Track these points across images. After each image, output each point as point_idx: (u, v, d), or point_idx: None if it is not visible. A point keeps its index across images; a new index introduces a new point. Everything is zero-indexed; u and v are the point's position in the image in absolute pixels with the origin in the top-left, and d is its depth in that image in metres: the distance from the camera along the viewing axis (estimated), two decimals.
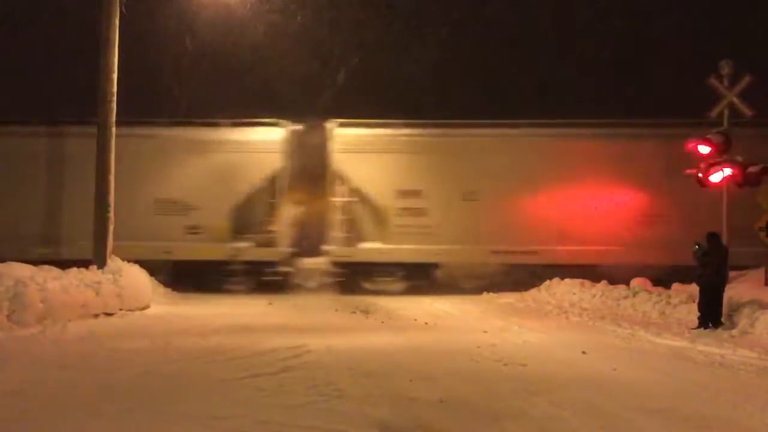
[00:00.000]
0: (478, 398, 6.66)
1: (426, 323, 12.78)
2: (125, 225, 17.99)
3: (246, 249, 19.25)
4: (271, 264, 19.30)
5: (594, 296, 15.74)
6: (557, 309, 15.09)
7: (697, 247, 12.37)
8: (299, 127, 19.84)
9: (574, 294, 16.36)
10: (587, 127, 19.12)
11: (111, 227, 15.07)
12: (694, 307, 12.23)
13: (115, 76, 15.12)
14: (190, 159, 19.45)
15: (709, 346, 10.01)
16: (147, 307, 14.53)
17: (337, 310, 14.92)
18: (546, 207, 18.73)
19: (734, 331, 11.10)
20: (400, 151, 19.45)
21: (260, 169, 19.39)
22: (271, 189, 19.53)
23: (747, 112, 14.01)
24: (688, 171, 14.02)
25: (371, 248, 19.18)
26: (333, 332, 11.36)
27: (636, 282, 16.65)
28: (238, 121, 19.75)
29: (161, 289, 16.84)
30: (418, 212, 19.16)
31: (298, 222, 19.94)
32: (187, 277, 19.12)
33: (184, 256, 19.17)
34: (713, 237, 12.42)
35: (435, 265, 19.48)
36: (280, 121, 19.65)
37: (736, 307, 11.89)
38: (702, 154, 13.58)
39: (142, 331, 11.15)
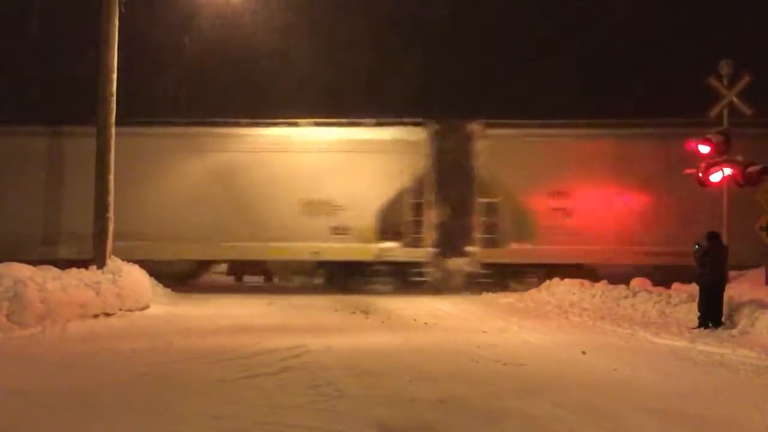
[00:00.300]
0: (478, 398, 6.65)
1: (426, 323, 12.78)
2: (270, 226, 18.49)
3: (392, 249, 19.29)
4: (416, 264, 19.32)
5: (594, 296, 15.73)
6: (557, 309, 15.08)
7: (697, 246, 12.37)
8: (441, 126, 19.79)
9: (574, 294, 16.36)
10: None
11: (111, 227, 15.06)
12: (694, 306, 12.22)
13: (114, 76, 15.13)
14: (336, 159, 19.41)
15: (709, 345, 10.00)
16: (147, 307, 14.52)
17: (336, 310, 14.92)
18: (700, 208, 17.76)
19: (734, 331, 11.09)
20: (548, 151, 19.20)
21: (405, 169, 19.35)
22: (416, 189, 19.48)
23: (747, 111, 14.02)
24: (688, 171, 14.02)
25: (518, 249, 19.06)
26: (333, 332, 11.35)
27: (636, 282, 16.65)
28: (382, 120, 19.77)
29: (161, 289, 16.82)
30: (566, 213, 18.99)
31: (443, 222, 19.84)
32: (332, 277, 19.45)
33: (330, 257, 19.31)
34: (713, 237, 12.42)
35: (582, 266, 19.16)
36: (424, 120, 19.63)
37: (736, 307, 11.88)
38: (702, 154, 13.57)
39: (142, 332, 11.15)
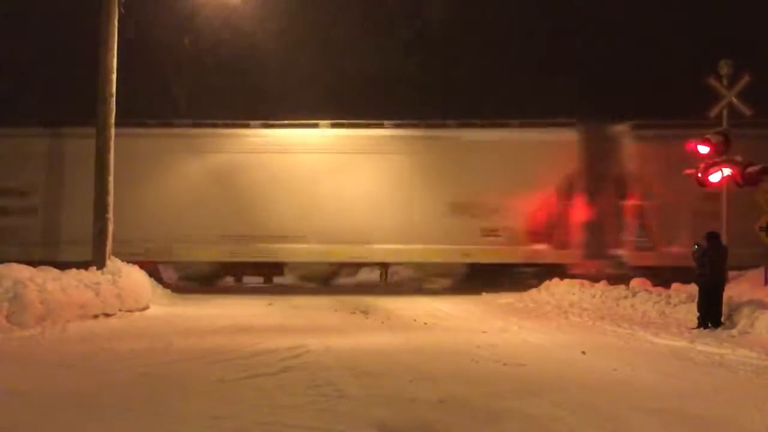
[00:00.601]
0: (478, 398, 6.66)
1: (425, 323, 12.78)
2: (419, 228, 18.67)
3: (542, 251, 19.20)
4: (564, 266, 19.15)
5: (593, 296, 15.72)
6: (557, 309, 15.07)
7: (696, 247, 12.37)
8: (588, 128, 19.63)
9: (574, 294, 16.35)
10: None
11: (111, 228, 15.05)
12: (694, 306, 12.22)
13: (114, 76, 15.14)
14: (484, 160, 19.29)
15: (709, 345, 10.01)
16: (146, 307, 14.52)
17: (336, 311, 14.92)
18: None
19: (734, 331, 11.09)
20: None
21: (556, 171, 19.23)
22: (565, 191, 19.35)
23: (746, 111, 14.02)
24: (688, 171, 14.01)
25: (668, 252, 18.67)
26: (333, 332, 11.35)
27: (636, 282, 16.64)
28: (530, 121, 19.66)
29: (160, 290, 16.82)
30: (719, 215, 18.58)
31: (591, 224, 19.60)
32: (480, 279, 19.30)
33: (481, 259, 19.21)
34: (713, 237, 12.42)
35: (737, 269, 18.40)
36: (574, 122, 19.49)
37: (736, 307, 11.87)
38: (702, 154, 13.56)
39: (141, 332, 11.16)
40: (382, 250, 19.44)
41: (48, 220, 19.15)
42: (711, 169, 13.40)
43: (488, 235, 19.22)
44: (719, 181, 13.53)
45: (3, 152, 19.24)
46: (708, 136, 13.58)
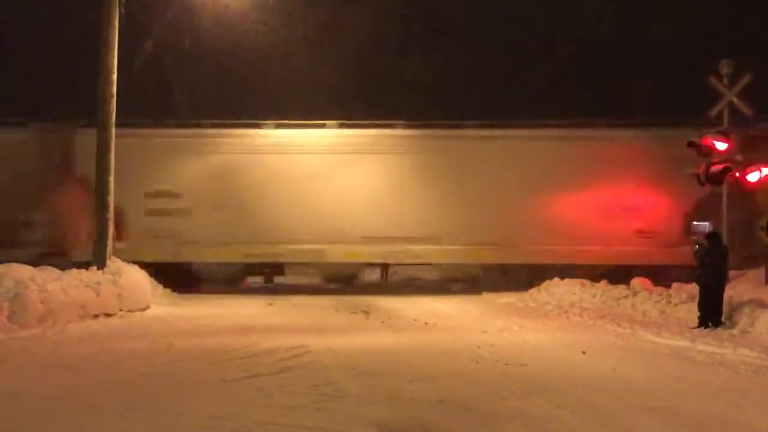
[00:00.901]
0: (478, 398, 6.66)
1: (426, 323, 12.78)
2: (572, 229, 18.68)
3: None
4: None
5: (594, 296, 15.73)
6: (557, 309, 15.08)
7: (697, 246, 12.38)
8: (739, 126, 19.30)
9: (574, 294, 16.36)
10: None
11: (111, 228, 15.05)
12: (694, 306, 12.22)
13: (114, 76, 15.15)
14: (636, 159, 18.93)
15: (709, 345, 10.01)
16: (147, 308, 14.53)
17: (337, 311, 14.92)
18: None
19: (734, 331, 11.11)
20: None
21: None
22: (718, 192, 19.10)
23: (746, 111, 14.03)
24: (693, 170, 14.01)
25: None
26: (333, 332, 11.36)
27: (636, 282, 16.65)
28: (682, 120, 18.67)
29: (161, 290, 16.83)
30: None
31: (747, 226, 19.37)
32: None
33: (634, 261, 18.83)
34: (714, 237, 12.43)
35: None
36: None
37: (737, 307, 11.88)
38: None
39: (142, 332, 11.16)
40: (530, 251, 19.21)
41: (198, 221, 19.08)
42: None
43: (643, 237, 18.97)
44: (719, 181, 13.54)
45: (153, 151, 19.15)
46: (709, 135, 13.61)
